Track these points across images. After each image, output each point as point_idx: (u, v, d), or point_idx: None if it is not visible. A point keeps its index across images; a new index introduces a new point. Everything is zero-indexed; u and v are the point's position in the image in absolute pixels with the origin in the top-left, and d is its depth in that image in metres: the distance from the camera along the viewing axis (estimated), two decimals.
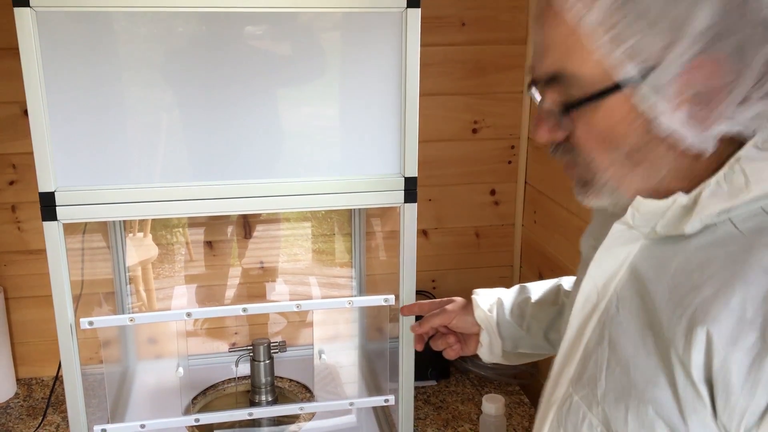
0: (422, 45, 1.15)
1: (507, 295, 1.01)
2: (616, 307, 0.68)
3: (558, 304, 0.99)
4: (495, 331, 0.99)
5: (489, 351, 1.00)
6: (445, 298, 1.05)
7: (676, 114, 0.58)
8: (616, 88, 0.58)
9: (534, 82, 0.67)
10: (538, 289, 1.01)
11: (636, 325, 0.65)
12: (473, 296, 1.02)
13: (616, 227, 0.68)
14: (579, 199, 0.68)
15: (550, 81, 0.63)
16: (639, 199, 0.64)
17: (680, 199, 0.62)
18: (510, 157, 1.80)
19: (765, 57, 0.56)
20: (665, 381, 0.61)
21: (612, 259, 0.69)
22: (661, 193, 0.63)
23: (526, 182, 1.81)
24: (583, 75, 0.59)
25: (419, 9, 1.13)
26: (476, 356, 1.04)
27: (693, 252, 0.61)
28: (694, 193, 0.61)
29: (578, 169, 0.66)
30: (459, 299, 1.04)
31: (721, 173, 0.60)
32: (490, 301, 1.01)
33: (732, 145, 0.60)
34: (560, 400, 0.74)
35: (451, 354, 1.02)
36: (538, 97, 0.67)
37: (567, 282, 1.01)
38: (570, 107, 0.61)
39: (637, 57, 0.57)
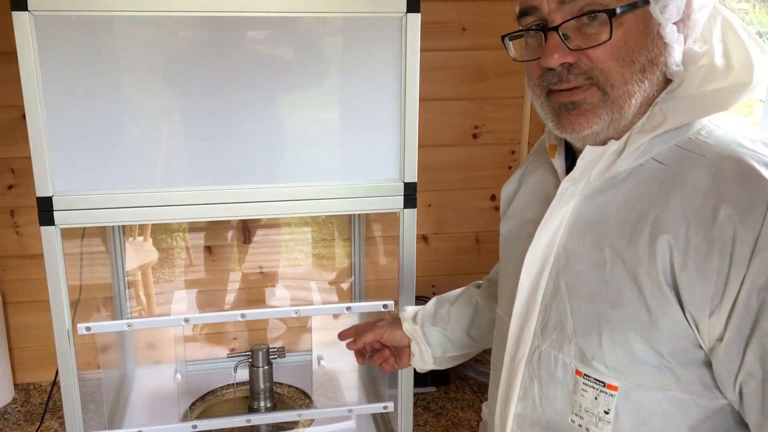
0: (422, 50, 1.14)
1: (428, 307, 1.10)
2: (565, 257, 0.78)
3: (473, 303, 1.08)
4: (423, 340, 1.07)
5: (421, 360, 1.08)
6: (378, 318, 1.13)
7: (674, 30, 0.72)
8: (645, 2, 0.71)
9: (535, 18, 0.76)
10: (453, 295, 1.11)
11: (588, 265, 0.76)
12: (400, 312, 1.10)
13: (564, 185, 0.78)
14: (567, 130, 0.75)
15: None
16: (588, 147, 0.76)
17: (613, 145, 0.75)
18: (510, 163, 1.80)
19: None
20: (630, 298, 0.71)
21: (554, 220, 0.79)
22: (602, 142, 0.76)
23: None
24: None
25: (419, 14, 1.13)
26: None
27: (630, 190, 0.74)
28: (623, 138, 0.74)
29: (590, 90, 0.73)
30: (388, 318, 1.13)
31: (644, 117, 0.74)
32: (415, 314, 1.09)
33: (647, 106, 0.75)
34: (527, 355, 0.82)
35: (386, 368, 1.11)
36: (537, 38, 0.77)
37: (476, 284, 1.12)
38: (612, 15, 0.70)
39: None
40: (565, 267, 0.78)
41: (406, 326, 1.08)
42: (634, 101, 0.73)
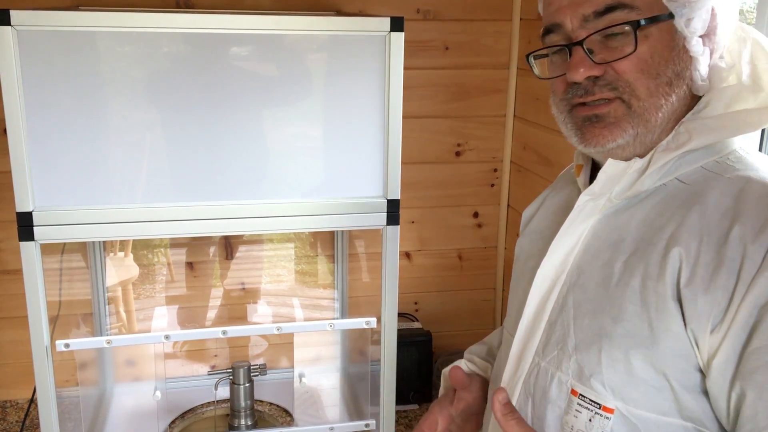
0: (406, 68, 1.15)
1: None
2: (576, 274, 0.77)
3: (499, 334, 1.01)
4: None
5: None
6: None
7: (700, 44, 0.72)
8: (669, 15, 0.71)
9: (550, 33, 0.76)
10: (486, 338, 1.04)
11: (598, 281, 0.75)
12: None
13: (582, 198, 0.78)
14: (591, 144, 0.74)
15: (608, 10, 0.71)
16: (610, 161, 0.75)
17: (637, 163, 0.74)
18: (493, 180, 1.81)
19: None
20: (633, 312, 0.70)
21: (570, 236, 0.78)
22: (627, 158, 0.76)
23: (508, 205, 1.82)
24: (640, 5, 0.71)
25: (402, 33, 1.14)
26: None
27: (650, 208, 0.74)
28: (648, 156, 0.74)
29: (614, 104, 0.73)
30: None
31: (669, 136, 0.74)
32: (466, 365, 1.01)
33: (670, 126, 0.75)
34: (526, 373, 0.80)
35: None
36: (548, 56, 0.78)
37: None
38: (636, 27, 0.70)
39: None
40: (576, 283, 0.77)
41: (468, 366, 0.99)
42: (660, 115, 0.73)
